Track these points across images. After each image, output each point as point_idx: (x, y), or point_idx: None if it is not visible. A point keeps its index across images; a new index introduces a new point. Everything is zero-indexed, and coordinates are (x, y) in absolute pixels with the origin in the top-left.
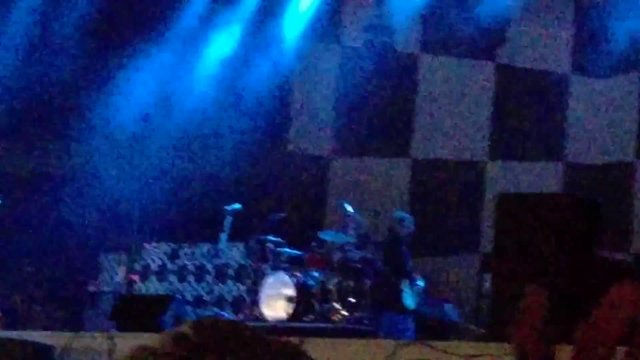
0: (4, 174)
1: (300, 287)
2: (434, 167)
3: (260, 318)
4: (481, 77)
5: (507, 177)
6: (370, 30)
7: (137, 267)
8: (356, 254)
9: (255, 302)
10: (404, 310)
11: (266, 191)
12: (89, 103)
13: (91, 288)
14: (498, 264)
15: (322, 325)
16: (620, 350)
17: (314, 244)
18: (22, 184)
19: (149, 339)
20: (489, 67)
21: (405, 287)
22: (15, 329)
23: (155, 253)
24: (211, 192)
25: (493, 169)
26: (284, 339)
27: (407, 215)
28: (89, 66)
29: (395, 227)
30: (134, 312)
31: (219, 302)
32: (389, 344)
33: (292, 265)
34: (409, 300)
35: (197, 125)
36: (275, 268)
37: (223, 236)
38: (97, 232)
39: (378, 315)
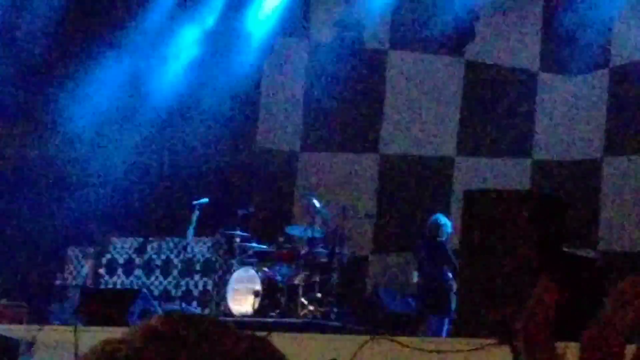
0: None
1: (267, 282)
2: (402, 163)
3: (227, 312)
4: (450, 74)
5: (475, 174)
6: (340, 26)
7: (104, 260)
8: (323, 249)
9: (222, 297)
10: (449, 312)
11: (234, 185)
12: (57, 95)
13: (58, 281)
14: (464, 260)
15: (288, 320)
16: (630, 348)
17: (281, 238)
18: None
19: (115, 333)
20: (457, 63)
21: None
22: None
23: (122, 247)
24: (179, 187)
25: (461, 165)
26: (252, 332)
27: (447, 220)
28: (58, 58)
29: (434, 230)
30: (101, 306)
31: (186, 296)
32: (356, 338)
33: (259, 260)
34: (454, 302)
35: (165, 120)
36: (242, 263)
37: (190, 230)
38: (64, 225)
39: (425, 316)
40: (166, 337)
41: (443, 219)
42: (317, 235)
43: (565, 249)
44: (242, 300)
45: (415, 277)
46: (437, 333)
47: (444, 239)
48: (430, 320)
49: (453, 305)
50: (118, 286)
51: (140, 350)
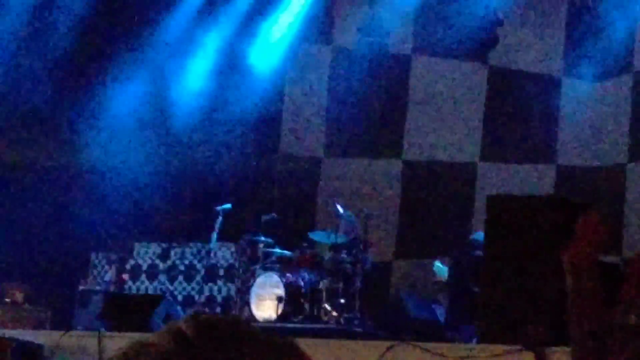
0: None
1: (290, 288)
2: (425, 169)
3: (250, 318)
4: (473, 79)
5: (498, 180)
6: (363, 32)
7: (128, 266)
8: (346, 255)
9: (245, 302)
10: None
11: (257, 191)
12: (83, 100)
13: (81, 287)
14: (488, 266)
15: (311, 326)
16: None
17: (304, 244)
18: (14, 180)
19: (139, 338)
20: (481, 69)
21: None
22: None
23: (145, 252)
24: (202, 192)
25: (484, 171)
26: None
27: None
28: (82, 63)
29: (476, 246)
30: (124, 312)
31: (209, 302)
32: (378, 344)
33: (282, 265)
34: None
35: (188, 125)
36: (266, 268)
37: (213, 236)
38: (88, 231)
39: (459, 324)
40: (193, 339)
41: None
42: (340, 241)
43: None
44: (265, 306)
45: (438, 275)
46: (467, 341)
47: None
48: (461, 328)
49: None
50: (141, 292)
51: (169, 353)
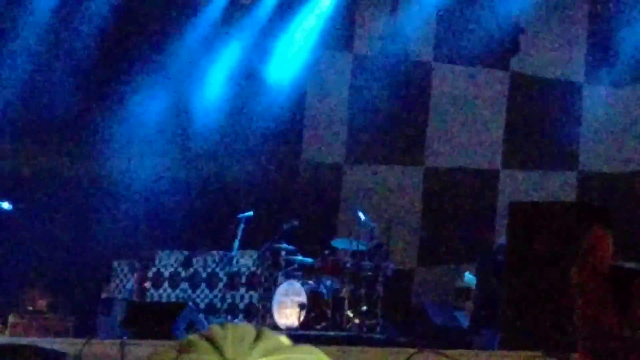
0: (18, 177)
1: (313, 295)
2: (447, 175)
3: (273, 325)
4: (495, 86)
5: (520, 186)
6: (384, 39)
7: (150, 274)
8: (368, 262)
9: (267, 310)
10: None
11: (279, 199)
12: (106, 110)
13: (104, 295)
14: (510, 272)
15: (334, 333)
16: None
17: (326, 251)
18: (37, 188)
19: (161, 346)
20: (502, 75)
21: None
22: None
23: (168, 260)
24: (224, 200)
25: (506, 177)
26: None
27: None
28: (105, 72)
29: (501, 251)
30: (146, 319)
31: (232, 309)
32: (401, 351)
33: (304, 273)
34: None
35: (210, 133)
36: (288, 275)
37: (236, 243)
38: (111, 239)
39: (479, 329)
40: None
41: None
42: (362, 248)
43: (613, 262)
44: (287, 313)
45: (464, 280)
46: (489, 346)
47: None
48: (483, 333)
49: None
50: (164, 299)
51: None
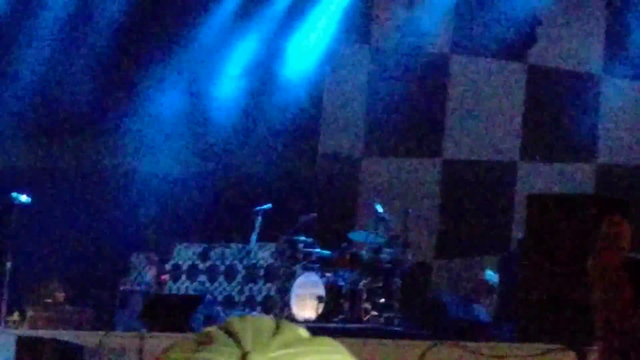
0: (36, 171)
1: (330, 287)
2: (465, 168)
3: (290, 318)
4: (512, 78)
5: (538, 178)
6: (401, 32)
7: (168, 266)
8: (386, 255)
9: (285, 302)
10: None
11: (297, 191)
12: (123, 104)
13: (122, 287)
14: (527, 264)
15: (351, 325)
16: None
17: (344, 244)
18: (54, 182)
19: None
20: (520, 67)
21: None
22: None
23: (185, 253)
24: (242, 193)
25: (524, 169)
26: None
27: None
28: (122, 66)
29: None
30: (164, 312)
31: (249, 302)
32: (418, 344)
33: (322, 265)
34: None
35: (228, 126)
36: (306, 268)
37: (253, 236)
38: (129, 232)
39: (505, 323)
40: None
41: None
42: (379, 240)
43: (631, 254)
44: (305, 305)
45: (486, 276)
46: (510, 340)
47: None
48: (505, 327)
49: None
50: (182, 292)
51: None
